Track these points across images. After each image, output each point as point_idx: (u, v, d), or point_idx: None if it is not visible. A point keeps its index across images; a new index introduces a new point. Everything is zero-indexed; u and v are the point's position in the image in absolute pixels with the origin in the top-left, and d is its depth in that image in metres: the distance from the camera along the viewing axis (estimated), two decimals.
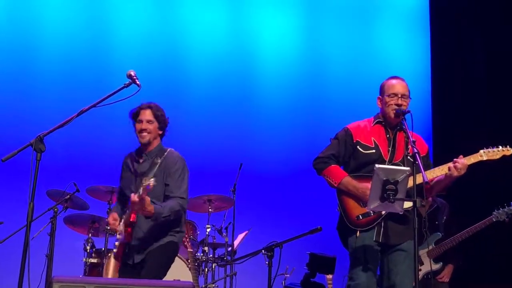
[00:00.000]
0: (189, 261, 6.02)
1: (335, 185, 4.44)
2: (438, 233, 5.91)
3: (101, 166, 7.36)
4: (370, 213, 4.32)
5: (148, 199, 4.26)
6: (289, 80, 8.47)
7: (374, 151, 4.45)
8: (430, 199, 5.71)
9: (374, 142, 4.48)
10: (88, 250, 6.18)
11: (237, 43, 8.47)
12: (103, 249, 6.17)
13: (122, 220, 4.55)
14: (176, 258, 5.96)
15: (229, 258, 6.47)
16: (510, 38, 7.69)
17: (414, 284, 3.94)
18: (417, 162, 3.97)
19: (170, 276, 5.74)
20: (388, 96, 4.45)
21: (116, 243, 4.60)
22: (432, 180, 4.33)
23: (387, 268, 4.41)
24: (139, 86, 4.21)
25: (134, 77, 4.17)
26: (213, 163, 7.70)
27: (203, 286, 6.28)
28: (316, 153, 4.62)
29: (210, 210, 6.60)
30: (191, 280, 5.76)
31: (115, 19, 8.18)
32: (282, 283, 6.50)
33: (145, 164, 4.58)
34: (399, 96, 4.43)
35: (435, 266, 5.86)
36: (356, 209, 4.37)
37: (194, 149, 7.29)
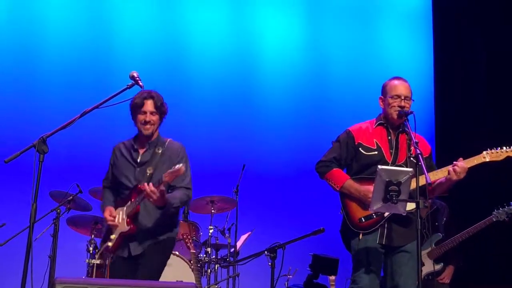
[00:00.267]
0: (191, 262, 6.02)
1: (338, 189, 4.44)
2: (439, 234, 5.90)
3: (103, 167, 7.31)
4: (373, 215, 4.31)
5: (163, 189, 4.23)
6: (291, 81, 8.47)
7: (376, 152, 4.44)
8: (429, 200, 5.71)
9: (376, 144, 4.47)
10: (91, 251, 6.18)
11: (239, 44, 8.47)
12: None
13: (122, 211, 4.45)
14: (179, 259, 6.00)
15: (231, 259, 6.47)
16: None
17: (417, 285, 3.93)
18: (419, 163, 3.97)
19: (173, 277, 5.75)
20: (391, 97, 4.44)
21: (113, 236, 4.45)
22: (434, 182, 4.32)
23: (390, 269, 4.40)
24: (142, 87, 4.23)
25: (137, 78, 4.18)
26: (215, 164, 7.69)
27: (206, 287, 6.27)
28: (319, 154, 4.62)
29: (212, 211, 6.60)
30: (194, 281, 5.76)
31: (117, 20, 8.18)
32: (285, 284, 6.50)
33: (147, 154, 4.52)
34: (402, 98, 4.42)
35: (436, 267, 5.85)
36: (359, 212, 4.37)
37: (196, 150, 7.25)
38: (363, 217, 4.35)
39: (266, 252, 4.97)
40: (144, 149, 4.54)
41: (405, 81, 4.52)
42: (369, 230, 4.33)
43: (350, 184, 4.40)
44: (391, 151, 4.45)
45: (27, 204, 3.66)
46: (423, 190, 4.04)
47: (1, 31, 7.77)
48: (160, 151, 4.48)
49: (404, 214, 4.16)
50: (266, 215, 7.82)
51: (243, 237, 6.77)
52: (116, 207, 4.52)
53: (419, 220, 3.90)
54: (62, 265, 5.60)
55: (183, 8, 8.44)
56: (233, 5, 8.64)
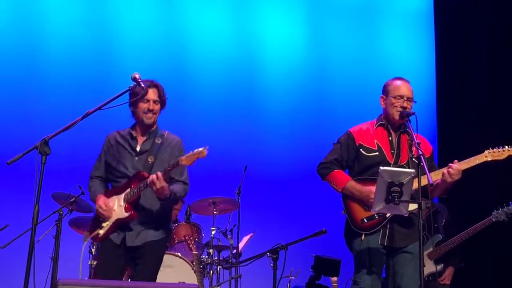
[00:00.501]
0: (194, 263, 6.03)
1: (339, 190, 4.46)
2: (439, 235, 5.90)
3: None
4: (375, 216, 4.32)
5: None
6: (293, 82, 8.47)
7: (377, 153, 4.45)
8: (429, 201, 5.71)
9: (377, 144, 4.48)
10: (93, 253, 6.19)
11: (242, 46, 8.48)
12: None
13: (118, 198, 4.40)
14: (181, 260, 6.01)
15: (234, 260, 6.47)
16: None
17: (419, 286, 3.93)
18: (421, 164, 3.97)
19: (175, 278, 5.76)
20: (394, 97, 4.45)
21: (105, 223, 4.39)
22: (434, 183, 4.33)
23: (392, 270, 4.41)
24: (143, 89, 4.23)
25: (139, 80, 4.19)
26: (218, 166, 7.69)
27: None
28: (321, 155, 4.62)
29: (215, 212, 6.60)
30: (196, 283, 5.77)
31: (120, 22, 8.19)
32: (287, 285, 6.49)
33: (147, 143, 4.50)
34: (405, 98, 4.43)
35: (436, 268, 5.85)
36: (361, 213, 4.38)
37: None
38: (365, 218, 4.35)
39: (268, 253, 4.96)
40: (145, 138, 4.52)
41: (408, 82, 4.53)
42: (371, 231, 4.34)
43: (352, 185, 4.40)
44: (392, 151, 4.46)
45: (29, 205, 3.66)
46: (424, 191, 4.04)
47: (3, 33, 7.79)
48: (159, 142, 4.48)
49: (406, 215, 4.17)
50: (268, 216, 7.82)
51: (245, 239, 6.77)
52: (109, 196, 4.48)
53: (421, 221, 3.90)
54: (64, 267, 5.60)
55: (185, 9, 8.45)
56: (235, 7, 8.64)
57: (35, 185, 3.56)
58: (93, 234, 4.46)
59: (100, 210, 4.40)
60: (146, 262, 4.41)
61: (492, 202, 5.68)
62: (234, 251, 6.53)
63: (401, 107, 4.41)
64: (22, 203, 5.94)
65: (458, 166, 4.25)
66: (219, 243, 6.62)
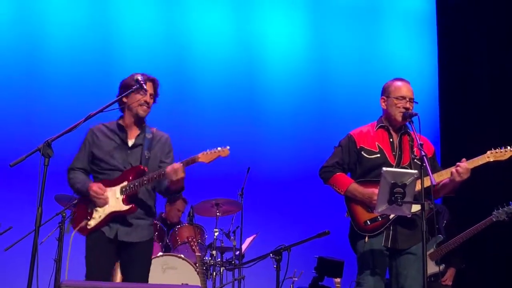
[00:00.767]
0: (197, 265, 6.02)
1: (342, 193, 4.45)
2: (440, 235, 5.90)
3: None
4: (378, 218, 4.32)
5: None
6: (296, 83, 8.47)
7: (379, 155, 4.44)
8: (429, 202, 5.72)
9: (378, 146, 4.47)
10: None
11: (243, 47, 8.48)
12: None
13: (113, 190, 4.26)
14: (184, 262, 6.00)
15: (237, 262, 6.47)
16: None
17: (423, 287, 3.93)
18: (424, 165, 3.96)
19: (178, 280, 5.76)
20: (396, 98, 4.44)
21: (97, 214, 4.22)
22: (439, 183, 4.32)
23: (395, 271, 4.40)
24: (146, 91, 4.23)
25: (141, 82, 4.19)
26: (220, 167, 7.64)
27: None
28: (323, 156, 4.62)
29: (218, 214, 6.60)
30: (199, 284, 5.77)
31: (121, 22, 8.20)
32: (290, 286, 6.49)
33: (140, 137, 4.40)
34: (407, 99, 4.42)
35: (437, 268, 5.84)
36: (364, 215, 4.37)
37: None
38: (368, 220, 4.35)
39: (271, 254, 4.96)
40: (137, 132, 4.41)
41: (408, 82, 4.53)
42: (375, 233, 4.33)
43: (354, 187, 4.40)
44: (393, 153, 4.45)
45: (32, 207, 3.67)
46: (427, 192, 4.04)
47: (4, 34, 7.80)
48: (150, 137, 4.41)
49: (409, 216, 4.16)
50: (271, 217, 7.82)
51: (248, 240, 6.77)
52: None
53: (424, 222, 3.89)
54: (67, 269, 5.60)
55: (186, 10, 8.45)
56: (237, 7, 8.64)
57: (38, 187, 3.57)
58: (81, 225, 4.26)
59: (97, 196, 4.22)
60: (141, 263, 4.33)
61: (494, 203, 5.68)
62: (237, 252, 6.53)
63: (404, 108, 4.41)
64: (25, 205, 5.94)
65: (466, 165, 4.24)
66: (222, 244, 6.62)
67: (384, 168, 4.04)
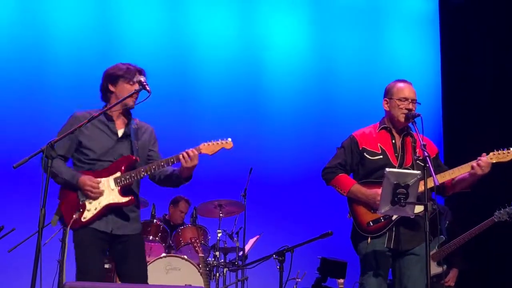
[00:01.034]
0: (200, 266, 6.03)
1: (345, 194, 4.45)
2: (442, 236, 5.89)
3: None
4: (381, 219, 4.32)
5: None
6: (298, 84, 8.48)
7: (381, 157, 4.44)
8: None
9: (381, 148, 4.47)
10: None
11: (246, 47, 8.49)
12: None
13: (107, 181, 4.08)
14: (187, 263, 6.01)
15: (240, 262, 6.47)
16: None
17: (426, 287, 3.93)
18: (427, 165, 3.96)
19: (182, 281, 5.76)
20: (399, 99, 4.44)
21: (92, 206, 4.01)
22: (454, 179, 4.31)
23: (398, 272, 4.40)
24: (149, 92, 4.23)
25: (144, 83, 4.19)
26: (223, 168, 7.69)
27: None
28: (326, 157, 4.62)
29: (221, 215, 6.61)
30: (203, 285, 5.77)
31: (125, 24, 8.21)
32: (293, 287, 6.49)
33: (128, 128, 4.29)
34: (410, 100, 4.42)
35: (439, 269, 5.84)
36: (366, 216, 4.37)
37: (204, 154, 7.28)
38: (371, 221, 4.35)
39: (274, 255, 4.96)
40: (125, 122, 4.31)
41: (411, 83, 4.53)
42: (377, 234, 4.33)
43: (357, 188, 4.40)
44: (396, 154, 4.45)
45: (35, 209, 3.67)
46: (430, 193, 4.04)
47: (8, 35, 7.81)
48: (135, 127, 4.33)
49: (413, 217, 4.16)
50: (274, 218, 7.82)
51: (251, 241, 6.77)
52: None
53: (427, 222, 3.89)
54: (71, 270, 5.61)
55: (190, 12, 8.47)
56: (240, 8, 8.65)
57: (41, 188, 3.57)
58: (74, 218, 3.98)
59: (92, 189, 4.01)
60: (138, 257, 4.18)
61: (496, 203, 5.68)
62: (240, 253, 6.53)
63: (406, 109, 4.40)
64: (28, 206, 5.94)
65: (487, 159, 4.23)
66: (225, 245, 6.62)
67: (387, 169, 4.04)
